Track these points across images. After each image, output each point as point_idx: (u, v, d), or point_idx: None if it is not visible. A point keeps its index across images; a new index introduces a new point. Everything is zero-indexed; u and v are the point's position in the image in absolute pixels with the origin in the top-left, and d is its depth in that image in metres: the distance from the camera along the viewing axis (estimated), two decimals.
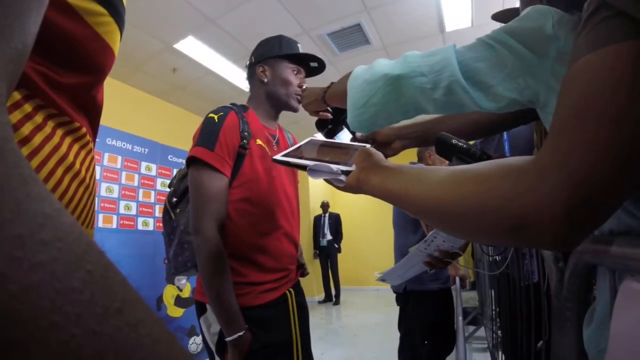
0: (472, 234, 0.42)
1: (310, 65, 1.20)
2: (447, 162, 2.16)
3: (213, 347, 1.00)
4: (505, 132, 1.50)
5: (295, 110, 1.17)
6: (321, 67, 1.23)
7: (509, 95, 0.51)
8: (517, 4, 0.79)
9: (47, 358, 0.11)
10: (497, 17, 1.20)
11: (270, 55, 1.14)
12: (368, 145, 0.68)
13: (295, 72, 1.15)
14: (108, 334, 0.13)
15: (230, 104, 1.11)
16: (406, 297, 2.00)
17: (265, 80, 1.14)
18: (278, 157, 0.63)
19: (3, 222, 0.11)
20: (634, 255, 0.39)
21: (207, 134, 0.99)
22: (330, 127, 0.97)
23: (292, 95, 1.15)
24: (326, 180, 0.59)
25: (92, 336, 0.12)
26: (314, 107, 0.90)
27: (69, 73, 0.40)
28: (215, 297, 0.92)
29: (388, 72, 0.57)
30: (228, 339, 0.90)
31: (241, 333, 0.91)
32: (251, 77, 1.19)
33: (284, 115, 1.22)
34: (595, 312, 0.52)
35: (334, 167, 0.57)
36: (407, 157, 1.79)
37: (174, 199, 1.12)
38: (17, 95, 0.35)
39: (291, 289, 1.11)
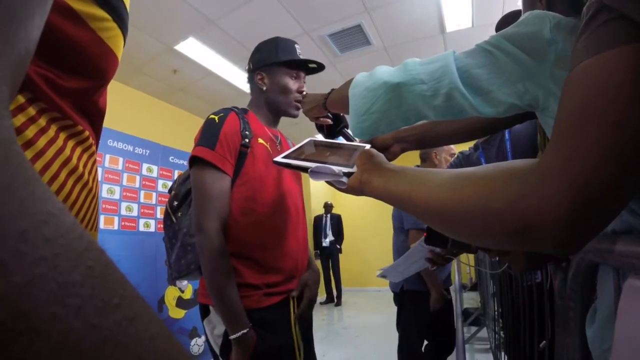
0: (475, 237, 0.42)
1: (310, 66, 1.20)
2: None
3: (217, 350, 1.00)
4: (506, 132, 1.50)
5: (294, 117, 1.18)
6: (320, 66, 1.21)
7: (508, 100, 0.52)
8: (517, 5, 0.79)
9: (48, 348, 0.11)
10: (499, 26, 1.21)
11: (267, 63, 1.14)
12: (368, 146, 0.68)
13: (293, 77, 1.15)
14: (107, 328, 0.13)
15: (232, 107, 1.12)
16: (403, 296, 2.00)
17: (264, 88, 1.14)
18: (278, 158, 0.63)
19: (9, 218, 0.12)
20: (638, 254, 0.39)
21: (208, 134, 1.00)
22: (331, 128, 0.98)
23: (291, 103, 1.15)
24: (327, 182, 0.59)
25: (91, 329, 0.12)
26: (314, 113, 0.91)
27: (73, 77, 0.40)
28: (218, 295, 0.92)
29: (388, 79, 0.58)
30: (232, 336, 0.90)
31: (245, 330, 0.91)
32: (250, 81, 1.20)
33: (283, 118, 1.22)
34: (598, 312, 0.52)
35: (336, 168, 0.57)
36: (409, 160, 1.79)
37: (175, 203, 1.12)
38: (21, 99, 0.35)
39: (294, 294, 1.07)
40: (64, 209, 0.14)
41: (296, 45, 1.17)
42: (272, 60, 1.13)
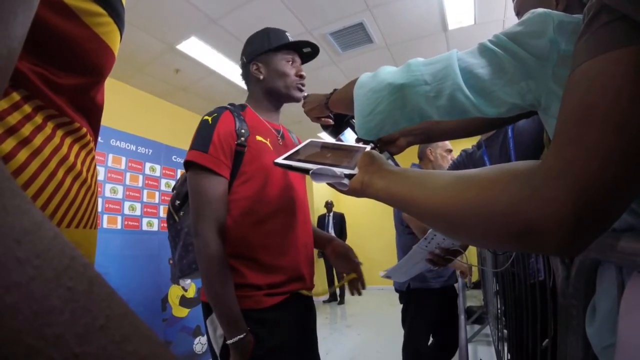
0: (478, 239, 0.42)
1: (304, 51, 1.17)
2: (449, 157, 2.16)
3: (217, 350, 0.98)
4: (509, 129, 1.49)
5: (297, 100, 1.14)
6: (314, 51, 1.19)
7: (510, 100, 0.52)
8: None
9: None
10: None
11: (261, 51, 1.12)
12: (369, 147, 0.68)
13: (290, 62, 1.13)
14: (90, 355, 0.12)
15: (228, 104, 1.09)
16: (409, 295, 2.00)
17: (261, 77, 1.12)
18: (279, 160, 0.63)
19: None
20: None
21: (201, 136, 0.98)
22: (334, 126, 0.97)
23: (292, 85, 1.12)
24: (329, 183, 0.59)
25: (72, 359, 0.12)
26: (316, 113, 0.90)
27: (68, 74, 0.40)
28: (215, 299, 0.91)
29: (392, 81, 0.58)
30: (229, 341, 0.89)
31: (242, 335, 0.89)
32: (247, 76, 1.18)
33: (286, 116, 1.21)
34: (598, 309, 0.51)
35: (337, 170, 0.56)
36: (409, 157, 1.79)
37: (177, 202, 1.11)
38: (16, 96, 0.35)
39: (298, 292, 1.06)
40: (43, 221, 0.13)
41: (287, 34, 1.15)
42: (265, 49, 1.11)
